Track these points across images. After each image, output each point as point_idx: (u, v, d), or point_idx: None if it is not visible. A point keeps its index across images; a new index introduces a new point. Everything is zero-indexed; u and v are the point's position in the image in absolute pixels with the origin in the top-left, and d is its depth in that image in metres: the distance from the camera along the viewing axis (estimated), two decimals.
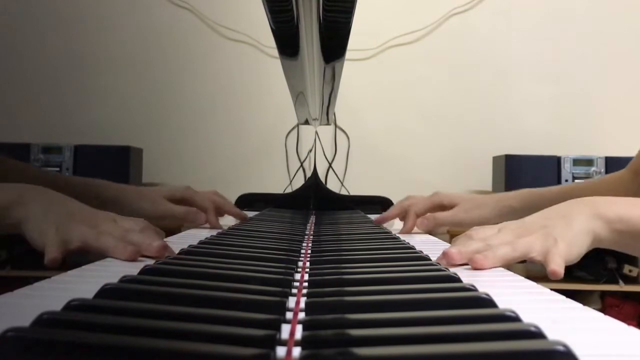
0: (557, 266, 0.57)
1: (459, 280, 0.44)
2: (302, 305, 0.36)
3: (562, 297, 0.43)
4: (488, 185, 2.23)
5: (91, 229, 0.61)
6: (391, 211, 1.04)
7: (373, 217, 1.14)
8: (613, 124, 2.32)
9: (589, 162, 2.02)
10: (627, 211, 0.63)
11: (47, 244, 0.58)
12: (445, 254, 0.60)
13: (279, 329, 0.30)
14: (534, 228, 0.62)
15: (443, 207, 0.99)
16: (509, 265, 0.61)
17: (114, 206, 0.89)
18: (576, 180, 2.00)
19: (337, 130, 2.33)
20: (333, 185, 2.17)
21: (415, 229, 0.99)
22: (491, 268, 0.57)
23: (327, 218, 1.15)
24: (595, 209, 0.63)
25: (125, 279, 0.40)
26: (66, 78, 2.35)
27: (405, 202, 1.02)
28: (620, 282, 2.03)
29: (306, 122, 1.44)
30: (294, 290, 0.42)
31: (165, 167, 2.32)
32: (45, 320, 0.28)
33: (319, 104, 1.09)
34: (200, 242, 0.65)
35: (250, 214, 1.21)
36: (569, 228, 0.61)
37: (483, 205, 0.96)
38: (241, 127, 2.34)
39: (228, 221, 1.04)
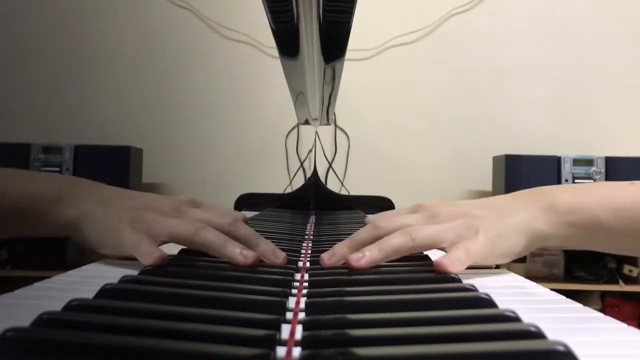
0: (452, 260, 0.46)
1: (459, 280, 0.44)
2: (302, 305, 0.36)
3: (562, 297, 0.43)
4: (488, 185, 2.23)
5: (176, 218, 0.52)
6: None
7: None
8: (613, 124, 2.32)
9: (589, 162, 2.02)
10: (579, 198, 0.53)
11: (134, 246, 0.49)
12: (321, 259, 0.50)
13: (279, 329, 0.30)
14: (458, 214, 0.53)
15: None
16: (508, 265, 0.60)
17: None
18: (576, 181, 2.00)
19: (337, 130, 2.33)
20: (333, 185, 2.17)
21: None
22: (371, 266, 0.47)
23: (327, 218, 1.15)
24: (540, 201, 0.53)
25: (125, 279, 0.40)
26: (66, 78, 2.35)
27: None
28: (620, 282, 2.03)
29: (306, 122, 1.44)
30: (294, 290, 0.42)
31: (165, 167, 2.32)
32: (45, 320, 0.28)
33: (319, 104, 1.09)
34: None
35: (250, 214, 1.21)
36: (500, 222, 0.52)
37: None
38: (241, 127, 2.34)
39: None
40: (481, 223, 0.52)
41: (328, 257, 0.50)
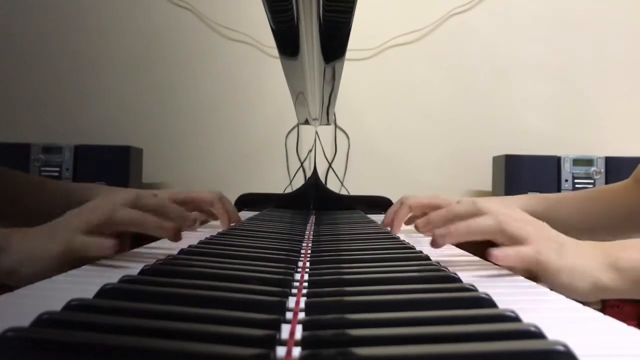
0: (521, 255, 0.54)
1: (459, 280, 0.44)
2: (302, 305, 0.36)
3: (563, 297, 0.43)
4: (488, 186, 2.23)
5: (106, 207, 0.57)
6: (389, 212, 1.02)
7: (374, 217, 1.14)
8: (613, 124, 2.32)
9: (589, 162, 2.01)
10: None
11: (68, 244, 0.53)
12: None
13: (279, 329, 0.30)
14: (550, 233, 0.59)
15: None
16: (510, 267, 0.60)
17: None
18: (576, 181, 1.99)
19: (337, 130, 2.33)
20: (333, 185, 2.17)
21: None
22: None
23: (327, 218, 1.15)
24: (606, 257, 0.57)
25: (125, 279, 0.40)
26: (66, 78, 2.35)
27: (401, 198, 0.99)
28: None
29: (306, 122, 1.44)
30: (294, 290, 0.42)
31: (165, 167, 2.32)
32: (45, 320, 0.28)
33: (319, 104, 1.09)
34: (200, 242, 0.65)
35: (250, 214, 1.21)
36: (576, 257, 0.56)
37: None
38: (241, 127, 2.34)
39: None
40: (567, 246, 0.57)
41: (422, 225, 0.59)
